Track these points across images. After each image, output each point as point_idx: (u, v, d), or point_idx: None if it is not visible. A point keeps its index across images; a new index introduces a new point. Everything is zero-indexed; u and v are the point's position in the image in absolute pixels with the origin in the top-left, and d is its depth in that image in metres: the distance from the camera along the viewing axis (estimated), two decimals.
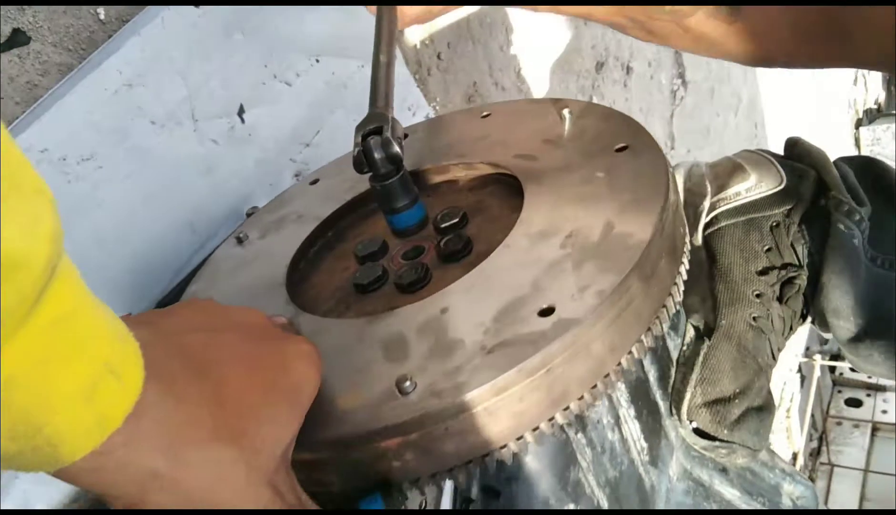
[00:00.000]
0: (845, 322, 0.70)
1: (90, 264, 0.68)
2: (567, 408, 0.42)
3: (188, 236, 0.78)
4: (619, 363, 0.43)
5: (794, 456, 1.33)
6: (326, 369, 0.45)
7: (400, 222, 0.57)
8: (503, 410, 0.40)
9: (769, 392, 0.68)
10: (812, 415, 1.54)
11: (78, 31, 0.69)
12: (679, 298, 0.47)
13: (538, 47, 1.11)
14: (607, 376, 0.43)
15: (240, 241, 0.64)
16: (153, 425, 0.33)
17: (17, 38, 0.62)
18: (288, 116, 0.84)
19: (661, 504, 0.60)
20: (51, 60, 0.65)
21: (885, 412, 1.73)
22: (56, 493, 0.68)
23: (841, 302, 0.66)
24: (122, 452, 0.32)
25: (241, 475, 0.36)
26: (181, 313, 0.41)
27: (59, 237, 0.29)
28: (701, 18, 0.61)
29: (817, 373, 1.57)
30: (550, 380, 0.41)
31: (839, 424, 1.63)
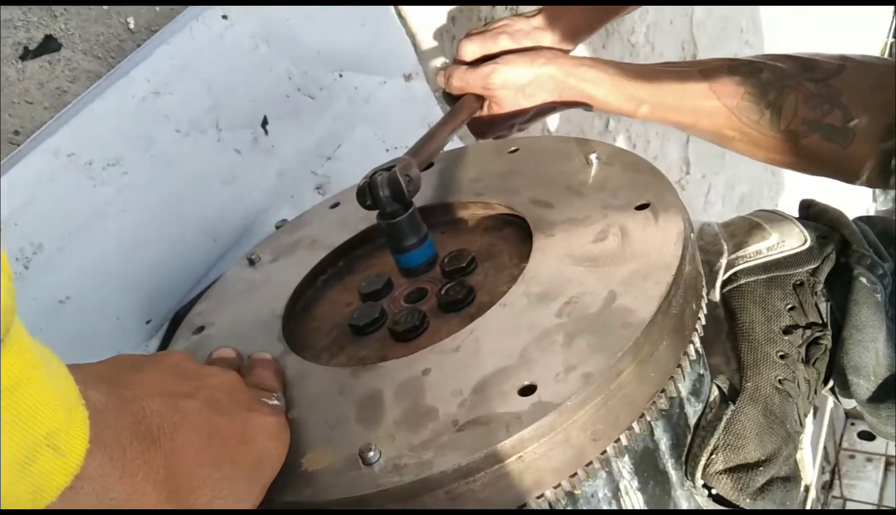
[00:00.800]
0: (865, 382, 0.67)
1: (112, 269, 0.69)
2: (542, 496, 0.39)
3: (209, 245, 0.77)
4: (605, 452, 0.40)
5: (807, 489, 1.26)
6: (300, 422, 0.44)
7: (406, 261, 0.55)
8: (467, 495, 0.38)
9: (796, 463, 0.63)
10: (825, 448, 1.46)
11: (108, 39, 0.70)
12: (682, 382, 0.44)
13: None
14: (590, 464, 0.40)
15: (252, 262, 0.63)
16: (92, 497, 0.32)
17: (49, 45, 0.62)
18: (310, 129, 0.83)
19: None
20: (80, 67, 0.65)
21: None
22: None
23: (861, 359, 0.62)
24: None
25: None
26: (149, 373, 0.39)
27: (9, 310, 0.29)
28: (815, 139, 0.61)
29: (830, 405, 1.47)
30: (522, 468, 0.38)
31: (852, 457, 1.54)
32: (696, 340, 0.45)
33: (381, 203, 0.53)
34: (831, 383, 0.66)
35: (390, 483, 0.38)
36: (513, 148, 0.63)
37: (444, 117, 0.69)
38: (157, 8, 0.71)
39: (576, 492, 0.41)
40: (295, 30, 0.76)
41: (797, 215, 0.71)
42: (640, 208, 0.50)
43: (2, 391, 0.29)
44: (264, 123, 0.76)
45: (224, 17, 0.71)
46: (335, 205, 0.67)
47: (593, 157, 0.56)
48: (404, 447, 0.39)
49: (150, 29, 0.71)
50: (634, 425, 0.41)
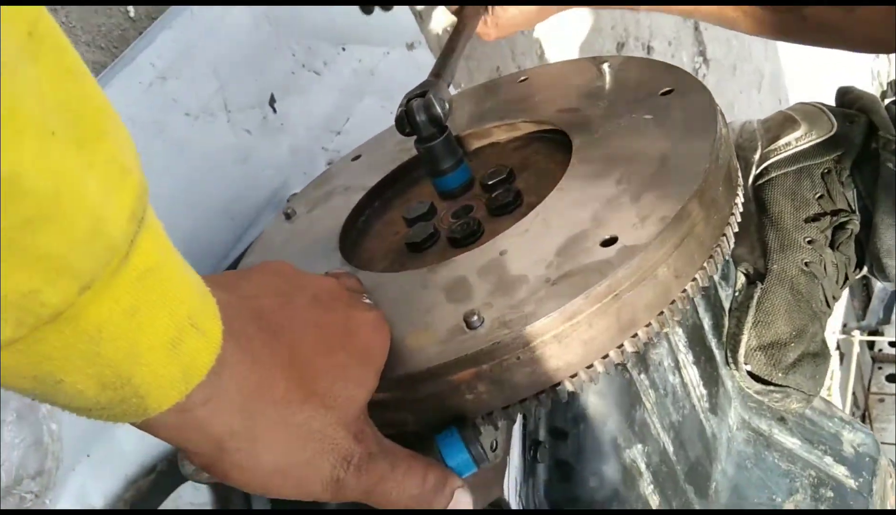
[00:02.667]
0: None
1: None
2: (635, 335, 0.42)
3: (227, 226, 0.79)
4: (685, 290, 0.43)
5: None
6: (390, 316, 0.46)
7: (446, 183, 0.57)
8: (573, 337, 0.40)
9: (824, 341, 0.68)
10: (853, 393, 1.52)
11: (109, 29, 0.71)
12: (736, 229, 0.47)
13: (559, 30, 1.12)
14: (673, 302, 0.43)
15: (288, 217, 0.64)
16: (231, 384, 0.34)
17: None
18: (318, 105, 0.85)
19: (723, 453, 0.60)
20: (85, 59, 0.66)
21: None
22: (112, 485, 0.69)
23: (894, 241, 0.66)
24: (202, 411, 0.33)
25: (314, 433, 0.37)
26: (255, 278, 0.41)
27: (145, 190, 0.30)
28: (819, 7, 0.61)
29: (856, 349, 1.55)
30: (618, 306, 0.41)
31: (881, 400, 1.60)
32: (741, 192, 0.49)
33: (418, 128, 0.55)
34: (865, 269, 0.70)
35: (500, 336, 0.40)
36: (522, 78, 0.66)
37: (451, 35, 0.70)
38: None
39: (664, 330, 0.44)
40: (295, 7, 0.79)
41: (835, 101, 0.73)
42: (665, 93, 0.54)
43: (148, 270, 0.30)
44: (272, 101, 0.78)
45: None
46: (356, 157, 0.69)
47: (605, 66, 0.60)
48: (505, 308, 0.42)
49: (150, 17, 0.73)
50: (706, 264, 0.44)
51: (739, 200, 0.49)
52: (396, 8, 0.89)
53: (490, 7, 0.76)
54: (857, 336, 1.56)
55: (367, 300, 0.45)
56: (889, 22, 0.59)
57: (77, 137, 0.27)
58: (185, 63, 0.72)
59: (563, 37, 1.15)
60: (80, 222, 0.27)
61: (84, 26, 0.70)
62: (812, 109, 0.71)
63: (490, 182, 0.57)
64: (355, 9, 0.87)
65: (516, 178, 0.57)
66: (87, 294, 0.28)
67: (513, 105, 0.64)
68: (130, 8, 0.73)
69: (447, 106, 0.56)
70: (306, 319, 0.39)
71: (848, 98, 0.73)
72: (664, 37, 1.30)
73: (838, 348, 1.59)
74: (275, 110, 0.80)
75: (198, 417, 0.33)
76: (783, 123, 0.69)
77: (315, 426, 0.37)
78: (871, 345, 1.79)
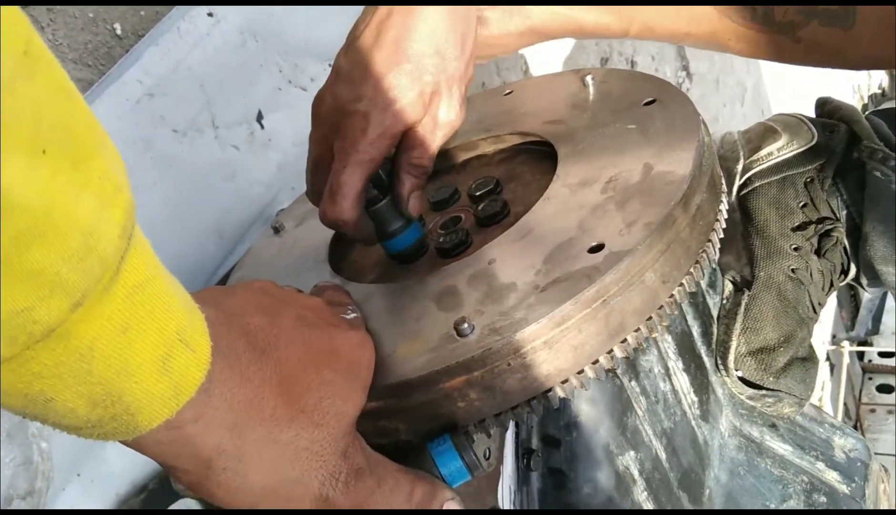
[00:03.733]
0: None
1: None
2: (625, 341, 0.42)
3: (216, 243, 0.79)
4: (673, 295, 0.44)
5: None
6: (382, 326, 0.46)
7: (395, 246, 0.53)
8: (563, 343, 0.41)
9: (812, 346, 0.68)
10: (845, 404, 1.53)
11: (96, 46, 0.71)
12: (721, 234, 0.48)
13: (543, 45, 1.13)
14: (661, 307, 0.43)
15: (276, 231, 0.65)
16: (221, 401, 0.34)
17: None
18: (306, 121, 0.85)
19: (715, 460, 0.60)
20: (72, 76, 0.67)
21: None
22: (103, 505, 0.68)
23: (889, 248, 0.67)
24: (192, 428, 0.33)
25: (301, 451, 0.37)
26: (242, 295, 0.41)
27: (134, 207, 0.30)
28: (815, 27, 0.58)
29: (846, 360, 1.56)
30: (607, 311, 0.41)
31: (873, 411, 1.61)
32: (725, 199, 0.50)
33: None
34: (852, 275, 0.70)
35: (491, 343, 0.40)
36: (507, 91, 0.67)
37: None
38: (143, 12, 0.73)
39: (652, 335, 0.44)
40: (280, 23, 0.79)
41: (814, 112, 0.74)
42: (648, 104, 0.55)
43: (137, 287, 0.30)
44: (259, 117, 0.78)
45: (210, 14, 0.74)
46: None
47: (588, 78, 0.61)
48: (495, 315, 0.42)
49: (137, 34, 0.73)
50: (693, 270, 0.45)
51: (724, 206, 0.49)
52: None
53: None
54: (847, 347, 1.57)
55: (352, 316, 0.45)
56: (888, 38, 0.56)
57: (71, 155, 0.27)
58: (171, 80, 0.73)
59: (548, 52, 1.16)
60: (73, 238, 0.27)
61: (71, 44, 0.70)
62: (791, 119, 0.71)
63: (477, 193, 0.57)
64: (340, 25, 0.87)
65: (503, 189, 0.58)
66: (79, 312, 0.28)
67: (498, 118, 0.64)
68: (117, 25, 0.74)
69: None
70: (292, 337, 0.39)
71: (827, 109, 0.73)
72: (647, 52, 1.32)
73: (828, 359, 1.60)
74: (262, 126, 0.80)
75: (188, 434, 0.33)
76: (763, 133, 0.70)
77: (303, 444, 0.37)
78: (860, 356, 1.81)
